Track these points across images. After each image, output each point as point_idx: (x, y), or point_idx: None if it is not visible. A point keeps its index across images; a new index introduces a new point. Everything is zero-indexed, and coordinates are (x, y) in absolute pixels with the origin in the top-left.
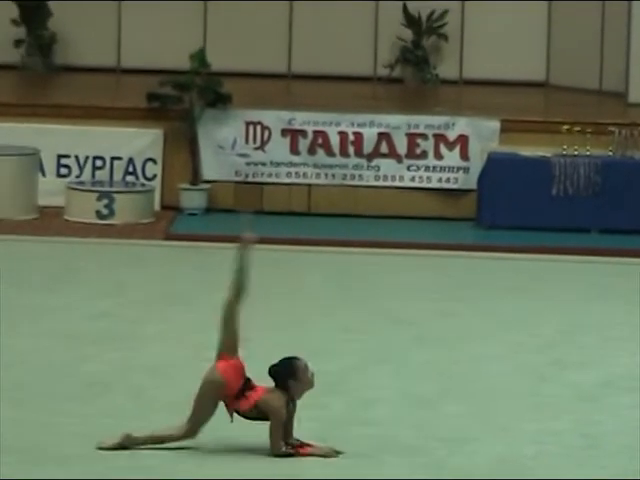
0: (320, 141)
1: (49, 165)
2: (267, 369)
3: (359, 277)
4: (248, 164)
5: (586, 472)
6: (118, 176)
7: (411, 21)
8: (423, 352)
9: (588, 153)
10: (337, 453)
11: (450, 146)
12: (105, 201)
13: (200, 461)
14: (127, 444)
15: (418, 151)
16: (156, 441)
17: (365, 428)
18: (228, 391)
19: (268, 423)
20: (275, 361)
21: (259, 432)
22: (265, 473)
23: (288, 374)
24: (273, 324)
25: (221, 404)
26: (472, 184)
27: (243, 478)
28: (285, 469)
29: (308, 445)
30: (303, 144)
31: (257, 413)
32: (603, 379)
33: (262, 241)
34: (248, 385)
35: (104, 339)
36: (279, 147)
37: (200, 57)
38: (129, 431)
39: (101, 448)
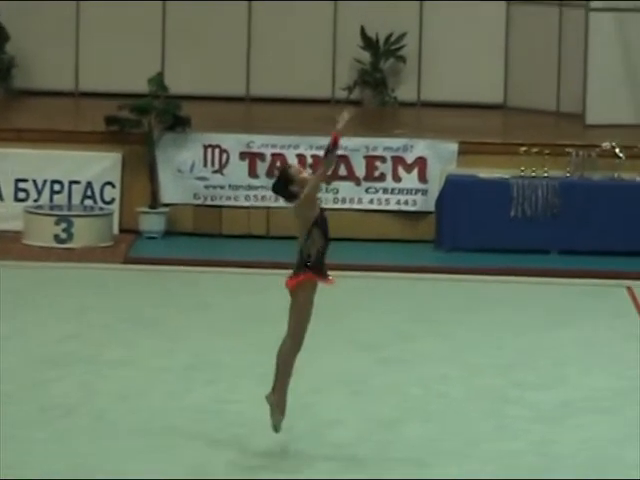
0: (278, 164)
1: (7, 189)
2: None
3: (319, 300)
4: (207, 187)
5: None
6: (76, 200)
7: (369, 43)
8: (384, 374)
9: (546, 175)
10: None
11: (408, 168)
12: (63, 225)
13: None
14: (276, 402)
15: (376, 173)
16: (289, 373)
17: (327, 449)
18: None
19: None
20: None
21: None
22: None
23: (286, 183)
24: (238, 347)
25: None
26: (431, 206)
27: None
28: None
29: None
30: (261, 167)
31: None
32: (562, 400)
33: (221, 264)
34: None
35: (65, 363)
36: (238, 170)
37: (158, 81)
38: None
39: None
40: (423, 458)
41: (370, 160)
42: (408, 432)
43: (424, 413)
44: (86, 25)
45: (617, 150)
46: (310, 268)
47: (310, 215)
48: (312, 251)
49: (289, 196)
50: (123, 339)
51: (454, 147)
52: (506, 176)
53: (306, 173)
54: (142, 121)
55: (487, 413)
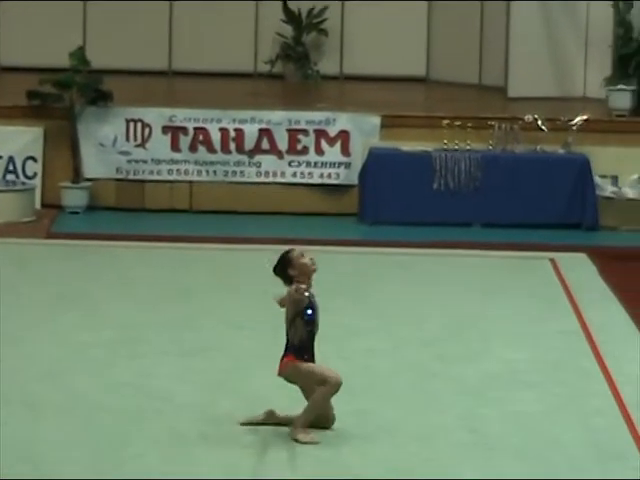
0: (201, 138)
1: None
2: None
3: (243, 274)
4: (129, 162)
5: (475, 469)
6: None
7: (291, 17)
8: None
9: (469, 147)
10: None
11: (331, 142)
12: None
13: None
14: (269, 420)
15: (299, 147)
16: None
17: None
18: None
19: None
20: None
21: None
22: None
23: (285, 266)
24: (161, 322)
25: None
26: (354, 179)
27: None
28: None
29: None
30: (184, 141)
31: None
32: (487, 373)
33: (144, 239)
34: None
35: None
36: (160, 144)
37: (79, 55)
38: (272, 409)
39: (244, 424)
40: (350, 433)
41: (293, 134)
42: (334, 407)
43: (349, 388)
44: (6, 1)
45: (539, 123)
46: (292, 353)
47: (293, 308)
48: (295, 340)
49: (286, 279)
50: (46, 315)
51: (377, 120)
52: (429, 149)
53: (307, 258)
54: (64, 95)
55: (413, 387)
